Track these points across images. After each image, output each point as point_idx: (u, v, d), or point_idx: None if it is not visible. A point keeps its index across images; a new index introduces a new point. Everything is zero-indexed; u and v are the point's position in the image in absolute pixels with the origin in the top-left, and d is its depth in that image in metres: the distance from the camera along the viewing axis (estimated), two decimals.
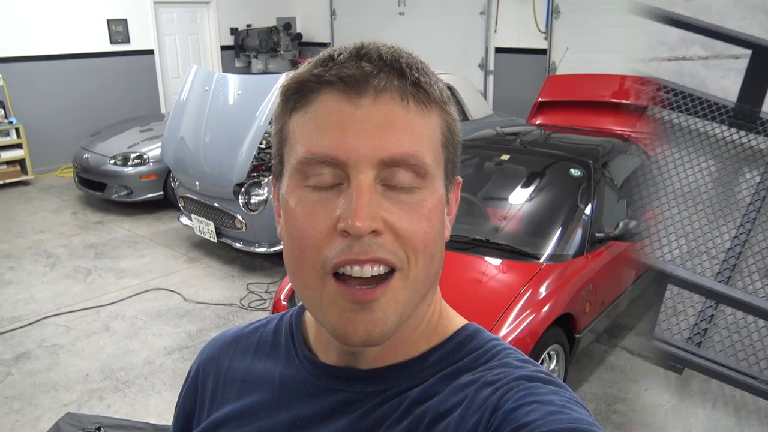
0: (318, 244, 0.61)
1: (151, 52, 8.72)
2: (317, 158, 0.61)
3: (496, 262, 3.21)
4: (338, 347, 0.71)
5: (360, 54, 0.63)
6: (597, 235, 3.35)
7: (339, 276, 0.62)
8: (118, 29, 8.28)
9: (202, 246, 5.47)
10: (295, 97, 0.65)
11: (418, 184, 0.63)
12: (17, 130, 7.25)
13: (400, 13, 9.06)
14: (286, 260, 0.66)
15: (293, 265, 0.65)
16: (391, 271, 0.62)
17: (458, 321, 0.75)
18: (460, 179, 0.72)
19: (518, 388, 0.62)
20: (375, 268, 0.61)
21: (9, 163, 7.28)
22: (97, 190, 6.37)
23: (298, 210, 0.63)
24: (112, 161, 6.19)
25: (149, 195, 6.26)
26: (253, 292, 4.60)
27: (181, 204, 5.37)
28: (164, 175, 6.15)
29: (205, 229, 5.01)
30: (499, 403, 0.61)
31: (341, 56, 0.63)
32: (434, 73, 0.66)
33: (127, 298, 4.54)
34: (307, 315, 0.80)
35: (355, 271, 0.61)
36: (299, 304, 0.80)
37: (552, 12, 7.54)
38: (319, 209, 0.62)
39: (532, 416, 0.58)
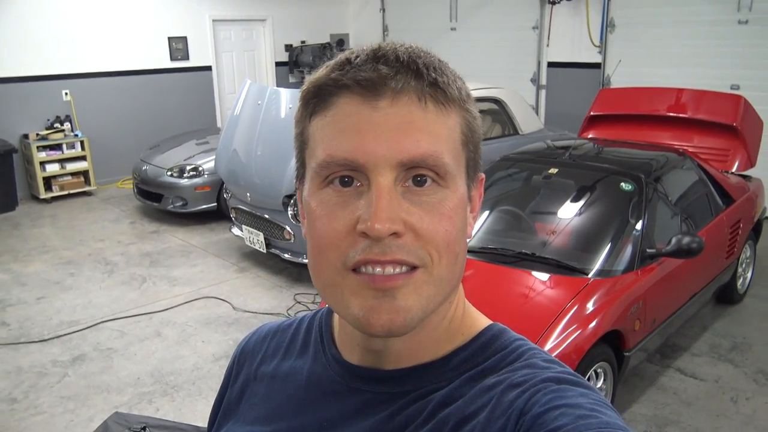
0: (338, 243, 0.62)
1: (208, 68, 9.01)
2: (336, 162, 0.62)
3: (543, 276, 3.15)
4: (362, 345, 0.71)
5: (377, 56, 0.63)
6: (648, 251, 3.24)
7: (359, 273, 0.62)
8: (178, 46, 8.60)
9: (251, 256, 5.58)
10: (315, 101, 0.65)
11: (439, 184, 0.63)
12: (82, 143, 7.59)
13: (451, 29, 9.09)
14: (309, 261, 0.67)
15: (315, 264, 0.66)
16: (414, 268, 0.62)
17: (483, 321, 0.74)
18: (483, 176, 0.72)
19: (545, 391, 0.61)
20: (396, 269, 0.61)
21: (74, 174, 7.62)
22: (154, 200, 6.59)
23: (319, 211, 0.64)
24: (169, 173, 6.40)
25: (203, 206, 6.44)
26: (300, 302, 4.66)
27: (232, 215, 5.49)
28: (218, 187, 6.31)
29: (255, 239, 5.11)
30: (526, 406, 0.60)
31: (358, 59, 0.63)
32: (453, 72, 0.66)
33: (179, 305, 4.66)
34: (335, 314, 0.80)
35: (377, 271, 0.61)
36: None
37: (607, 26, 7.42)
38: (339, 210, 0.62)
39: (561, 421, 0.56)
